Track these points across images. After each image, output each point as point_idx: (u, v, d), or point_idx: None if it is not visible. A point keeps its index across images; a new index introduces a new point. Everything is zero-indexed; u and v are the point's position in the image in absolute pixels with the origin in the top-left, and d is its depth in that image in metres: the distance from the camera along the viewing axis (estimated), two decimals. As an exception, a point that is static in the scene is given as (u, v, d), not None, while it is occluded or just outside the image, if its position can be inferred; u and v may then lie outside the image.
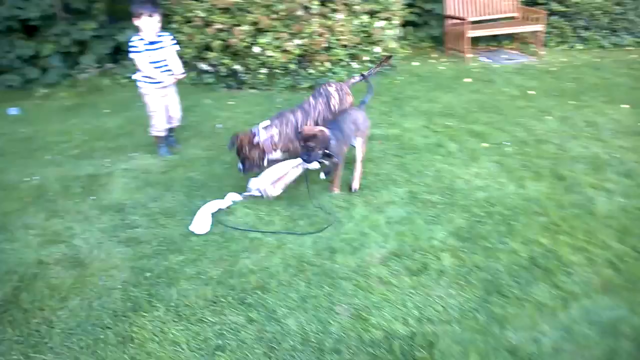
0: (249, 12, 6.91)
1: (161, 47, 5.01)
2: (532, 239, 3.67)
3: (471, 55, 8.67)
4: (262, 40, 6.86)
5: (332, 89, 4.79)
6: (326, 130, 4.07)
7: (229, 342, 2.87)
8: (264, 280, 3.36)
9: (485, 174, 4.71)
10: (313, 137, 3.98)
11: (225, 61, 7.21)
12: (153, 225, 4.06)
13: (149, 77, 5.07)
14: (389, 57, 5.61)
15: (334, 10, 7.14)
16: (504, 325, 2.91)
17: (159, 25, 4.95)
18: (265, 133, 4.40)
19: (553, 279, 3.25)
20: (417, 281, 3.31)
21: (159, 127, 5.31)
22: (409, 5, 9.02)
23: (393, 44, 7.80)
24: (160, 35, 5.01)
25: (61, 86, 8.21)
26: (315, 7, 6.99)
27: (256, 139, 4.39)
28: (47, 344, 2.90)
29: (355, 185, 4.49)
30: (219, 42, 6.98)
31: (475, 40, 9.16)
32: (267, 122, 4.46)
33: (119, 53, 8.58)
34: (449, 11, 8.86)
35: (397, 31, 7.96)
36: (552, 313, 2.99)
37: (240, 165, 4.48)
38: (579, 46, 9.63)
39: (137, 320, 3.04)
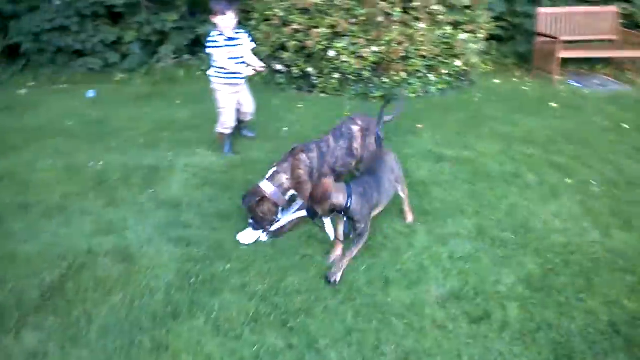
0: (328, 14, 6.74)
1: (239, 44, 5.01)
2: (615, 300, 3.24)
3: (559, 78, 8.10)
4: (339, 44, 6.68)
5: (356, 129, 4.21)
6: (330, 188, 3.24)
7: (265, 368, 2.69)
8: (310, 303, 3.16)
9: (565, 214, 4.28)
10: (320, 196, 3.23)
11: (299, 63, 7.09)
12: (206, 227, 3.97)
13: (223, 73, 5.07)
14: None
15: (417, 19, 6.83)
16: (572, 399, 2.56)
17: (236, 22, 4.91)
18: (272, 184, 3.83)
19: (637, 353, 2.85)
20: (476, 330, 3.00)
21: (227, 124, 5.30)
22: (496, 19, 8.56)
23: (474, 59, 7.39)
24: (237, 32, 4.99)
25: (138, 73, 8.41)
26: (397, 14, 6.72)
27: (265, 193, 3.82)
28: (84, 339, 2.86)
29: (410, 218, 4.07)
30: (294, 42, 6.87)
31: (565, 62, 8.55)
32: (272, 170, 3.91)
33: (197, 45, 8.69)
34: (541, 28, 8.30)
35: (481, 45, 7.55)
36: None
37: (250, 222, 3.86)
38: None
39: (175, 327, 2.94)
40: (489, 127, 6.21)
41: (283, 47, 7.20)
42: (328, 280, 3.31)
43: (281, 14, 6.92)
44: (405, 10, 6.82)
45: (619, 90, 8.00)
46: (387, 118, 4.46)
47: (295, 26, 6.80)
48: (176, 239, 3.78)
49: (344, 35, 6.74)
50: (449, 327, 3.01)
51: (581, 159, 5.37)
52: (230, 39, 4.93)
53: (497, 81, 8.22)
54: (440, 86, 7.33)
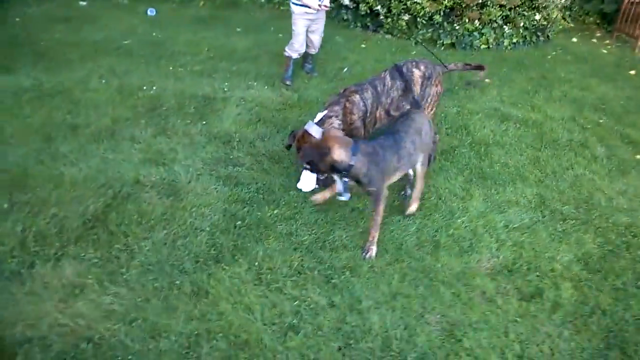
0: None
1: None
2: None
3: (642, 43, 7.41)
4: (411, -16, 6.22)
5: (417, 73, 3.78)
6: (333, 142, 2.96)
7: (305, 324, 2.63)
8: (356, 261, 3.06)
9: (632, 193, 3.99)
10: (321, 149, 2.97)
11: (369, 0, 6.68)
12: (256, 167, 3.87)
13: (299, 3, 4.94)
14: (481, 68, 4.25)
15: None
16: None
17: None
18: (320, 130, 3.29)
19: None
20: (526, 308, 2.85)
21: (296, 48, 5.22)
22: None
23: (556, 13, 6.80)
24: None
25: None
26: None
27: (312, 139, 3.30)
28: (124, 275, 2.84)
29: (413, 208, 3.49)
30: (365, -22, 6.46)
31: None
32: (321, 114, 3.57)
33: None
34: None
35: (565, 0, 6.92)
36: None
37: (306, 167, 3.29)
38: None
39: (216, 272, 2.89)
40: (560, 89, 5.77)
41: (350, -18, 6.79)
42: (364, 257, 3.10)
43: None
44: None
45: None
46: (453, 66, 4.11)
47: None
48: (225, 177, 3.71)
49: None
50: (498, 301, 2.87)
51: (657, 134, 4.96)
52: None
53: (575, 40, 7.61)
54: (514, 39, 6.82)
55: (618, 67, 6.72)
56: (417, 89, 3.79)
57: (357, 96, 3.61)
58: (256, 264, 2.96)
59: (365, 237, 3.20)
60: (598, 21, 8.43)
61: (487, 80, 5.80)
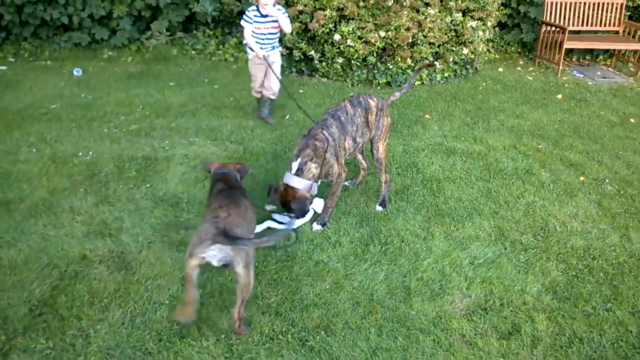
0: None
1: (271, 22, 5.06)
2: None
3: (562, 68, 7.89)
4: (345, 28, 6.33)
5: (372, 103, 3.91)
6: (301, 191, 3.52)
7: (286, 396, 2.45)
8: (329, 318, 2.93)
9: (583, 216, 4.13)
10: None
11: (301, 45, 6.74)
12: (208, 228, 3.68)
13: (248, 46, 5.19)
14: (430, 65, 4.75)
15: (427, 5, 6.52)
16: None
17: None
18: (301, 180, 3.53)
19: None
20: (507, 347, 2.81)
21: (256, 89, 5.51)
22: (503, 6, 8.32)
23: (481, 47, 7.13)
24: (278, 10, 5.04)
25: (128, 50, 7.94)
26: (407, -1, 6.40)
27: (297, 192, 3.55)
28: (82, 364, 2.57)
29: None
30: (298, 24, 6.50)
31: (568, 52, 8.38)
32: (296, 163, 3.54)
33: (192, 22, 8.23)
34: (547, 17, 8.05)
35: (489, 33, 7.28)
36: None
37: (286, 217, 3.76)
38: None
39: (183, 349, 2.67)
40: (497, 119, 5.99)
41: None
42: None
43: (285, -6, 6.53)
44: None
45: (622, 82, 7.84)
46: (393, 98, 4.18)
47: (300, 7, 6.43)
48: (178, 243, 3.49)
49: (351, 19, 6.40)
50: (479, 343, 2.82)
51: (592, 154, 5.22)
52: (263, 15, 5.02)
53: (501, 70, 7.99)
54: (446, 74, 7.07)
55: (545, 92, 7.09)
56: (374, 117, 3.90)
57: (325, 132, 3.59)
58: (223, 335, 2.77)
59: (334, 292, 3.09)
60: (519, 50, 8.91)
61: (427, 116, 5.93)
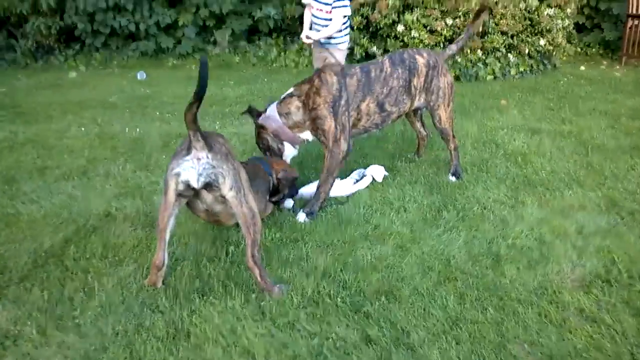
0: None
1: (325, 4, 3.82)
2: None
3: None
4: (409, 17, 5.66)
5: (421, 61, 2.97)
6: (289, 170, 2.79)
7: (331, 370, 1.67)
8: (392, 283, 2.14)
9: None
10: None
11: (363, 41, 6.11)
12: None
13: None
14: (483, 11, 3.53)
15: (498, -12, 5.77)
16: None
17: None
18: (276, 109, 2.82)
19: None
20: (646, 326, 1.89)
21: None
22: (580, 6, 7.40)
23: (560, 38, 6.23)
24: None
25: (192, 59, 7.66)
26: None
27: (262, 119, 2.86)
28: (76, 320, 1.93)
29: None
30: (359, 18, 5.91)
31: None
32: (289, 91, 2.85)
33: (254, 33, 7.89)
34: (634, 10, 6.99)
35: (570, 23, 6.36)
36: None
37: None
38: None
39: (202, 308, 1.97)
40: (586, 105, 5.03)
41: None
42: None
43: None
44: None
45: None
46: (449, 51, 3.27)
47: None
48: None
49: (414, 7, 5.73)
50: (606, 319, 1.91)
51: None
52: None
53: (583, 68, 6.98)
54: (521, 68, 6.18)
55: (638, 84, 6.02)
56: (421, 79, 2.96)
57: (334, 77, 2.73)
58: (254, 295, 2.04)
59: (400, 257, 2.31)
60: (602, 51, 7.87)
61: (502, 101, 5.08)
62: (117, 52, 7.56)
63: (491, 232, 2.55)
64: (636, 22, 6.99)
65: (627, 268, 2.24)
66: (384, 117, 2.93)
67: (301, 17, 4.82)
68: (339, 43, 4.00)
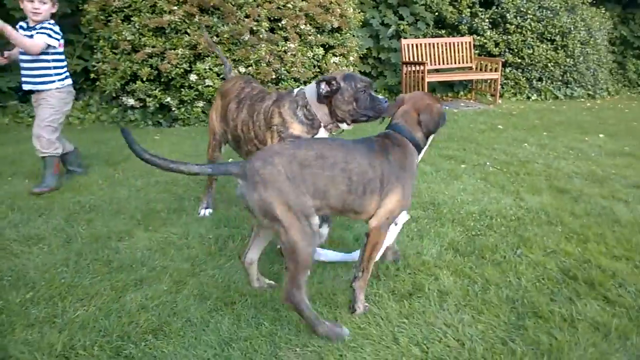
0: (186, 33, 5.72)
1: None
2: (555, 249, 2.59)
3: (428, 102, 7.77)
4: (201, 65, 5.68)
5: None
6: None
7: None
8: (162, 319, 1.95)
9: (471, 189, 3.61)
10: None
11: (155, 92, 5.88)
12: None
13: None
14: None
15: (286, 39, 6.11)
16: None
17: (47, 11, 3.47)
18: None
19: (604, 292, 2.14)
20: (409, 307, 2.02)
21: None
22: (364, 57, 8.25)
23: (348, 83, 6.80)
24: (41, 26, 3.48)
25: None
26: (263, 31, 5.91)
27: None
28: None
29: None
30: (148, 69, 5.70)
31: (431, 90, 8.39)
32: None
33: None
34: (407, 58, 8.05)
35: (354, 69, 7.01)
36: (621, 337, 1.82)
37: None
38: (534, 97, 9.02)
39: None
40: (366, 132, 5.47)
41: (134, 77, 5.89)
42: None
43: (130, 37, 5.68)
44: (272, 30, 6.09)
45: (484, 108, 7.87)
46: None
47: (148, 50, 5.65)
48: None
49: (206, 56, 5.77)
50: (374, 310, 1.95)
51: (469, 150, 4.88)
52: (28, 28, 3.50)
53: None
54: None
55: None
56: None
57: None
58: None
59: (177, 289, 2.12)
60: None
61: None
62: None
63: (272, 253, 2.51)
64: (410, 68, 8.03)
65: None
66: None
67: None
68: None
